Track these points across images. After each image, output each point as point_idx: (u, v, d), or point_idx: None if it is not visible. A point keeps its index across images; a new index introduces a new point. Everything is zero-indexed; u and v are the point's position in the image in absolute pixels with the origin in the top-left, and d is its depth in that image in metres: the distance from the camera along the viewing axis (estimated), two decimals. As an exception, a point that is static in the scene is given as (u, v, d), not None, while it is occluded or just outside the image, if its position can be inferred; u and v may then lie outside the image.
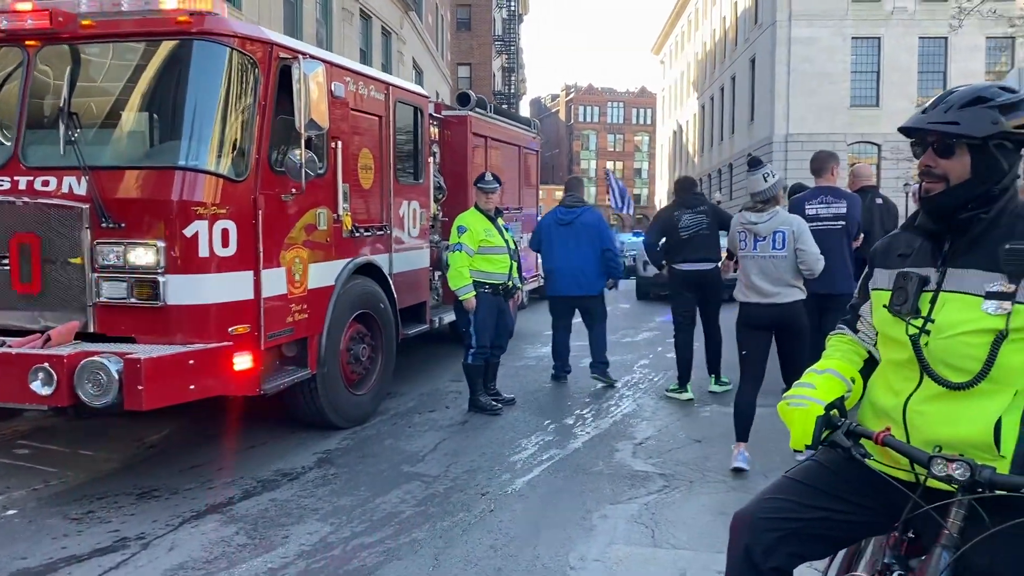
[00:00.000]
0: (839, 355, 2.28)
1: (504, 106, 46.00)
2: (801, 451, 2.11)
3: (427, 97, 8.07)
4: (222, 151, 5.10)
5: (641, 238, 17.55)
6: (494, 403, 6.98)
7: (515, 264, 7.11)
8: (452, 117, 9.21)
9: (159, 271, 4.89)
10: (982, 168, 1.97)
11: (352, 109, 6.45)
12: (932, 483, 1.86)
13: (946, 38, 40.08)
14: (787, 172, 40.20)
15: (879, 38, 40.46)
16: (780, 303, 5.46)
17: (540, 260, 8.74)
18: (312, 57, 5.55)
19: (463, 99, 9.27)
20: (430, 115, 8.67)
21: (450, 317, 8.19)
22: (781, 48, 40.13)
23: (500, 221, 7.16)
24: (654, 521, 4.57)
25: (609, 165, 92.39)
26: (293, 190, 5.48)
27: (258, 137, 5.25)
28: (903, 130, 2.07)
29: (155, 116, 5.24)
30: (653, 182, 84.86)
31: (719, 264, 7.51)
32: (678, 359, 7.73)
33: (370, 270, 6.77)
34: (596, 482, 5.23)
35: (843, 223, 6.65)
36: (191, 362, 4.79)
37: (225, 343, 5.03)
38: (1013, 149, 2.00)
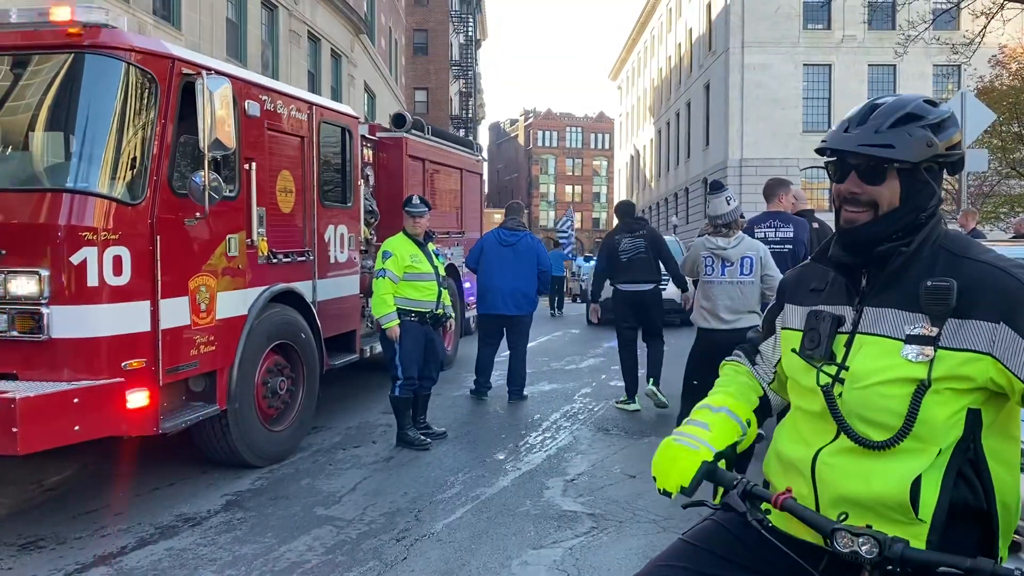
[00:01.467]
0: (735, 390, 2.01)
1: (460, 130, 45.88)
2: (671, 494, 1.82)
3: (356, 118, 7.77)
4: (116, 173, 4.74)
5: (592, 263, 17.40)
6: (423, 438, 6.63)
7: (444, 291, 6.79)
8: (387, 139, 8.92)
9: (43, 302, 4.50)
10: (913, 193, 1.71)
11: (269, 129, 6.12)
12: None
13: (894, 66, 40.91)
14: (742, 196, 40.64)
15: (830, 65, 41.22)
16: (741, 328, 5.34)
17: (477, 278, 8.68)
18: (219, 73, 5.22)
19: (398, 120, 8.99)
20: (363, 137, 8.38)
21: (382, 346, 7.85)
22: (735, 74, 40.65)
23: (431, 247, 6.86)
24: (577, 568, 4.26)
25: (568, 189, 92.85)
26: (197, 214, 5.12)
27: (157, 158, 4.90)
28: (823, 151, 1.78)
29: (44, 135, 4.86)
30: (611, 206, 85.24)
31: (659, 284, 8.08)
32: (624, 373, 8.07)
33: (291, 298, 6.42)
34: (521, 524, 4.91)
35: (790, 247, 6.61)
36: (76, 400, 4.40)
37: (117, 379, 4.65)
38: (938, 172, 1.75)
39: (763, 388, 2.01)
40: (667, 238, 19.83)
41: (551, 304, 20.15)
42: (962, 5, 17.11)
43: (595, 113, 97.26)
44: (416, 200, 6.75)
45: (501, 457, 6.36)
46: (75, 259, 4.51)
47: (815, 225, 7.36)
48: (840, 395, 1.69)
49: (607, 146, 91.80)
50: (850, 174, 1.72)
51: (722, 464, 1.76)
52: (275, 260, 6.19)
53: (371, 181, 8.65)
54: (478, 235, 11.96)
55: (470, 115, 54.02)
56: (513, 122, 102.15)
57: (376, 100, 29.27)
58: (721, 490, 1.73)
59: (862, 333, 1.71)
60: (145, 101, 4.90)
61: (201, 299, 5.27)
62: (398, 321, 6.49)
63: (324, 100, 7.33)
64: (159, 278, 4.87)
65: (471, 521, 4.95)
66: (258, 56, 18.40)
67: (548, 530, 4.80)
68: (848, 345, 1.72)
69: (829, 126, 40.46)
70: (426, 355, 6.69)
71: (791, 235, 6.62)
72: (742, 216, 9.58)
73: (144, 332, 4.82)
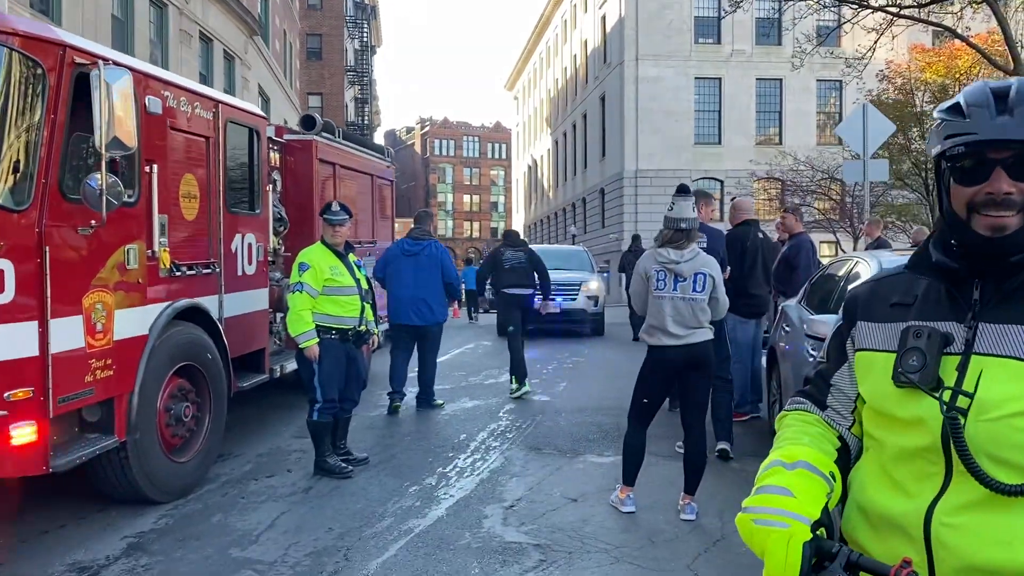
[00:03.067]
0: (808, 441, 1.59)
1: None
2: None
3: (265, 118, 7.23)
4: (-5, 174, 4.11)
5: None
6: (344, 465, 6.14)
7: (367, 306, 6.34)
8: (295, 142, 8.36)
9: (-94, 324, 3.84)
10: None
11: (172, 128, 5.54)
12: None
13: (781, 79, 42.47)
14: (637, 207, 41.29)
15: (720, 78, 42.32)
16: (693, 343, 5.09)
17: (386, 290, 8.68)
18: (117, 64, 4.64)
19: (308, 122, 8.45)
20: (270, 139, 7.82)
21: (293, 365, 7.28)
22: (629, 86, 41.26)
23: (352, 257, 6.38)
24: (532, 608, 3.91)
25: (466, 199, 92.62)
26: (93, 222, 4.53)
27: (45, 158, 4.29)
28: (965, 144, 1.41)
29: (-95, 129, 4.18)
30: (510, 216, 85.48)
31: (534, 290, 9.79)
32: (513, 362, 9.31)
33: (195, 314, 5.83)
34: (463, 560, 4.51)
35: None
36: (-54, 440, 3.76)
37: (-3, 413, 4.01)
38: None
39: (840, 433, 1.66)
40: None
41: (468, 313, 20.87)
42: (850, 22, 17.68)
43: (492, 123, 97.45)
44: (336, 207, 6.27)
45: (431, 483, 5.94)
46: (-54, 274, 3.87)
47: (760, 235, 7.34)
48: (963, 428, 1.38)
49: (505, 156, 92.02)
50: (994, 170, 1.40)
51: (821, 533, 1.40)
52: (178, 273, 5.60)
53: (278, 186, 8.08)
54: (389, 243, 11.50)
55: (366, 121, 53.09)
56: (409, 130, 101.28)
57: (271, 104, 28.23)
58: (815, 559, 1.37)
59: (980, 354, 1.39)
60: (31, 94, 4.29)
61: (97, 318, 4.66)
62: (317, 340, 5.99)
63: (231, 98, 6.77)
64: (48, 295, 4.26)
65: (407, 559, 4.52)
66: (147, 56, 17.30)
67: (493, 565, 4.43)
68: (962, 368, 1.40)
69: (720, 138, 41.84)
70: (347, 375, 6.21)
71: (704, 246, 6.52)
72: (635, 239, 11.68)
73: (31, 357, 4.20)
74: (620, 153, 41.66)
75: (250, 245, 6.80)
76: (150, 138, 5.23)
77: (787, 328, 6.72)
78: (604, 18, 45.18)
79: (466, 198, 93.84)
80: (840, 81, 40.70)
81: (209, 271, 6.08)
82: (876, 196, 27.08)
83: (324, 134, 8.63)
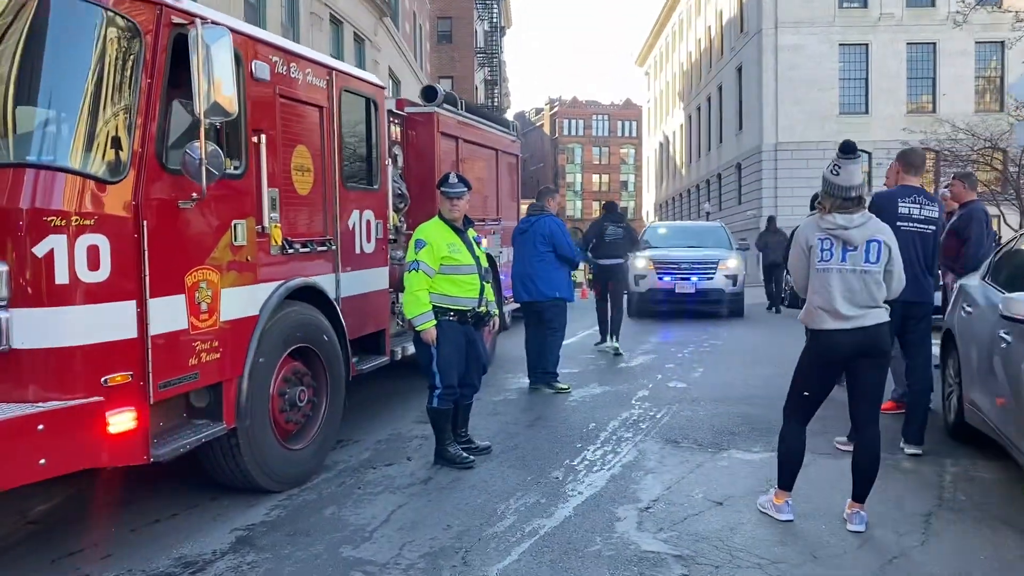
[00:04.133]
0: None
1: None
2: None
3: (383, 88, 6.86)
4: (91, 144, 3.85)
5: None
6: (465, 455, 5.71)
7: (487, 285, 5.87)
8: (416, 115, 7.99)
9: (1, 304, 3.63)
10: None
11: (281, 96, 5.22)
12: None
13: (935, 44, 39.52)
14: (777, 182, 39.44)
15: (867, 44, 39.82)
16: (866, 326, 4.30)
17: None
18: (216, 23, 4.32)
19: (429, 93, 8.06)
20: (390, 112, 7.47)
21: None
22: (768, 56, 39.37)
23: (471, 233, 5.93)
24: (674, 636, 3.33)
25: (595, 178, 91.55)
26: (194, 195, 4.23)
27: (142, 126, 4.00)
28: None
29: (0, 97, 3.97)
30: (640, 195, 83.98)
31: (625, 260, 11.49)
32: (600, 321, 11.18)
33: (310, 294, 5.52)
34: (593, 570, 3.97)
35: (933, 228, 5.77)
36: (40, 427, 3.53)
37: (95, 398, 3.77)
38: None
39: None
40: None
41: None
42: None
43: (621, 100, 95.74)
44: (453, 178, 5.80)
45: (558, 476, 5.43)
46: (39, 250, 3.63)
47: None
48: None
49: (634, 134, 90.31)
50: None
51: None
52: (291, 250, 5.29)
53: (399, 161, 7.73)
54: (515, 223, 11.06)
55: (496, 103, 53.07)
56: (538, 111, 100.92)
57: (401, 87, 28.37)
58: None
59: None
60: (127, 57, 4.00)
61: (201, 297, 4.38)
62: (434, 322, 5.58)
63: (345, 66, 6.41)
64: (147, 273, 3.99)
65: (532, 567, 4.02)
66: (278, 40, 17.58)
67: (628, 579, 3.87)
68: None
69: (867, 108, 39.40)
70: (468, 359, 5.78)
71: (935, 215, 5.85)
72: (771, 220, 12.96)
73: (129, 339, 3.93)
74: (759, 126, 39.87)
75: (368, 222, 6.46)
76: (257, 106, 4.92)
77: (968, 308, 5.79)
78: (740, -14, 43.25)
79: (595, 178, 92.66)
80: (1002, 42, 37.66)
81: (325, 248, 5.77)
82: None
83: (446, 106, 8.23)
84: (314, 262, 5.62)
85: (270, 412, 5.04)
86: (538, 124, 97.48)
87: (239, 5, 16.23)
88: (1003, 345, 4.73)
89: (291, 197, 5.35)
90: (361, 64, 23.53)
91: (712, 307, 15.12)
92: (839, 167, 4.28)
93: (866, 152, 38.47)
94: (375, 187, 6.60)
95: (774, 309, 16.92)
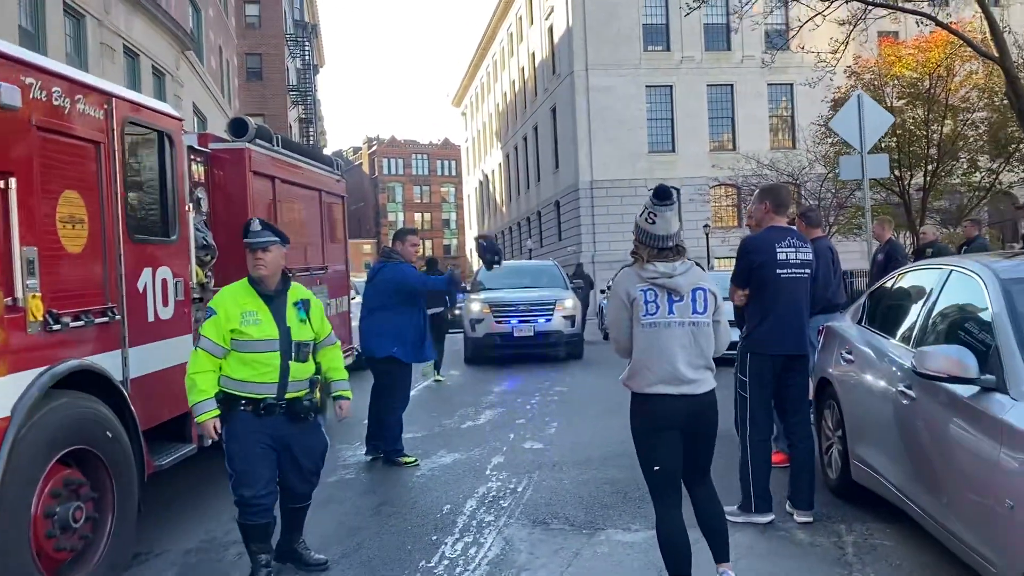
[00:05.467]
0: None
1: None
2: None
3: (180, 120, 5.73)
4: None
5: (463, 296, 15.69)
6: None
7: (303, 365, 4.47)
8: (224, 152, 6.85)
9: None
10: None
11: (40, 128, 4.04)
12: None
13: (732, 85, 42.07)
14: (595, 218, 40.29)
15: (671, 86, 41.85)
16: (699, 394, 3.82)
17: None
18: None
19: (238, 127, 6.94)
20: (192, 149, 6.33)
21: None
22: (580, 97, 40.46)
23: (293, 295, 4.50)
24: None
25: (417, 217, 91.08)
26: (-102, 262, 3.01)
27: None
28: None
29: None
30: (463, 232, 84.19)
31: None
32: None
33: (87, 379, 4.31)
34: None
35: (809, 271, 5.32)
36: None
37: None
38: None
39: None
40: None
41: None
42: (821, 15, 16.69)
43: (440, 140, 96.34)
44: (256, 225, 4.42)
45: (413, 587, 4.47)
46: None
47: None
48: None
49: (454, 172, 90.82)
50: None
51: None
52: (57, 326, 4.08)
53: (203, 206, 6.56)
54: (343, 269, 10.03)
55: (311, 142, 51.38)
56: (356, 150, 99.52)
57: (208, 123, 26.44)
58: None
59: None
60: None
61: (-86, 404, 3.14)
62: (215, 412, 4.32)
63: (130, 93, 5.24)
64: None
65: None
66: (61, 71, 15.61)
67: None
68: None
69: (673, 147, 41.14)
70: (284, 461, 4.50)
71: (810, 258, 5.44)
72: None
73: None
74: (574, 164, 40.79)
75: (165, 281, 5.29)
76: (3, 140, 3.74)
77: (848, 356, 5.40)
78: (551, 29, 44.36)
79: (417, 216, 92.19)
80: (791, 84, 40.60)
81: (106, 319, 4.56)
82: (844, 196, 26.33)
83: (259, 141, 7.14)
84: (91, 338, 4.42)
85: (31, 542, 3.79)
86: (357, 163, 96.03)
87: (13, 34, 14.24)
88: (905, 401, 4.28)
89: (57, 256, 4.16)
90: (162, 99, 21.64)
91: (552, 350, 14.60)
92: (655, 215, 3.82)
93: (675, 188, 40.18)
94: (172, 238, 5.44)
95: None
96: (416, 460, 7.11)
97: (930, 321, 4.48)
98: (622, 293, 3.89)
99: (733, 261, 5.55)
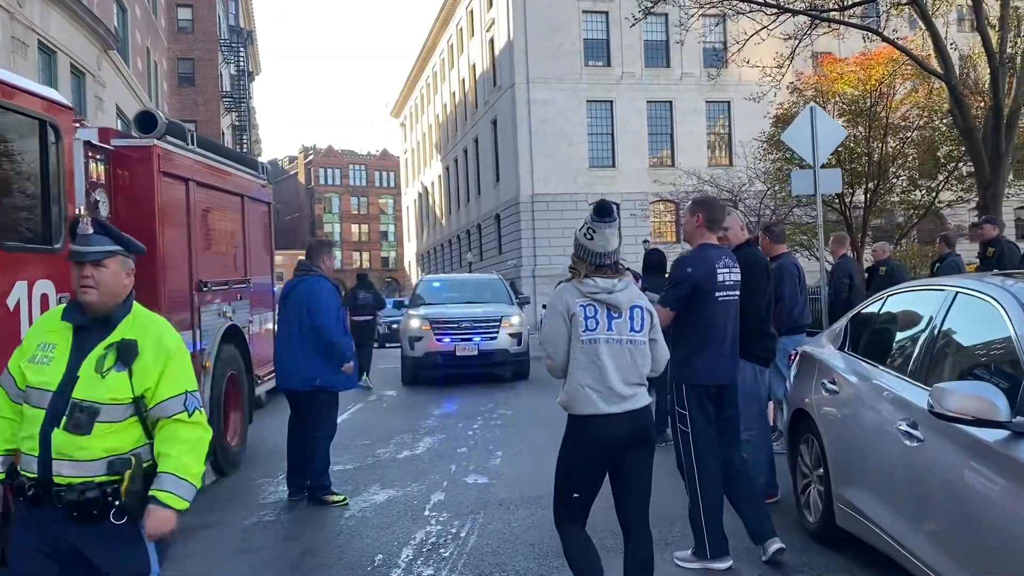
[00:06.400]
0: None
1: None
2: None
3: (70, 109, 4.93)
4: None
5: (402, 310, 14.91)
6: None
7: (80, 439, 2.68)
8: (128, 149, 6.03)
9: None
10: None
11: None
12: None
13: (671, 102, 42.22)
14: (535, 232, 39.85)
15: (612, 101, 41.81)
16: (636, 409, 3.72)
17: None
18: None
19: (145, 121, 6.13)
20: (89, 144, 5.52)
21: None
22: (521, 110, 40.13)
23: (124, 329, 2.80)
24: None
25: (354, 228, 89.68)
26: None
27: None
28: None
29: None
30: (402, 245, 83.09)
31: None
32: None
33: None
34: None
35: (738, 293, 4.87)
36: None
37: None
38: None
39: None
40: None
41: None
42: (766, 28, 16.49)
43: (379, 151, 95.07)
44: (87, 227, 2.84)
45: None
46: None
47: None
48: None
49: (393, 184, 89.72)
50: None
51: None
52: None
53: (104, 210, 5.74)
54: (268, 281, 9.23)
55: (246, 150, 50.00)
56: (292, 159, 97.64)
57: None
58: None
59: None
60: None
61: None
62: (2, 476, 2.85)
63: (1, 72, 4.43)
64: None
65: None
66: (-35, 65, 14.41)
67: None
68: None
69: (613, 162, 41.02)
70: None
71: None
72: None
73: None
74: (515, 178, 40.36)
75: (45, 296, 4.48)
76: None
77: (833, 387, 4.84)
78: (492, 41, 43.97)
79: (355, 228, 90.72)
80: (729, 102, 40.93)
81: (-37, 343, 3.74)
82: (783, 213, 26.30)
83: (170, 138, 6.34)
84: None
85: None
86: (292, 172, 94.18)
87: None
88: (909, 443, 3.73)
89: None
90: (81, 100, 20.40)
91: (497, 370, 13.88)
92: (593, 231, 3.73)
93: (615, 204, 39.99)
94: (56, 246, 4.63)
95: None
96: (345, 499, 6.31)
97: (936, 351, 3.94)
98: (562, 307, 3.75)
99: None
